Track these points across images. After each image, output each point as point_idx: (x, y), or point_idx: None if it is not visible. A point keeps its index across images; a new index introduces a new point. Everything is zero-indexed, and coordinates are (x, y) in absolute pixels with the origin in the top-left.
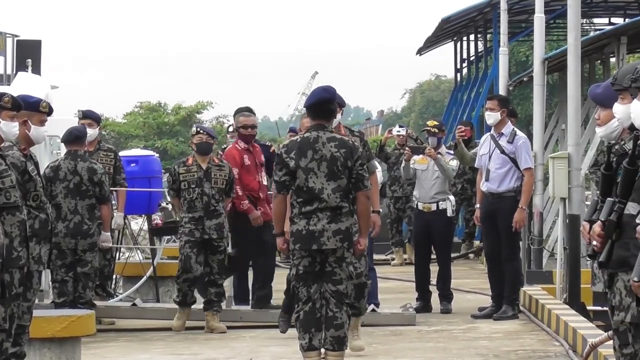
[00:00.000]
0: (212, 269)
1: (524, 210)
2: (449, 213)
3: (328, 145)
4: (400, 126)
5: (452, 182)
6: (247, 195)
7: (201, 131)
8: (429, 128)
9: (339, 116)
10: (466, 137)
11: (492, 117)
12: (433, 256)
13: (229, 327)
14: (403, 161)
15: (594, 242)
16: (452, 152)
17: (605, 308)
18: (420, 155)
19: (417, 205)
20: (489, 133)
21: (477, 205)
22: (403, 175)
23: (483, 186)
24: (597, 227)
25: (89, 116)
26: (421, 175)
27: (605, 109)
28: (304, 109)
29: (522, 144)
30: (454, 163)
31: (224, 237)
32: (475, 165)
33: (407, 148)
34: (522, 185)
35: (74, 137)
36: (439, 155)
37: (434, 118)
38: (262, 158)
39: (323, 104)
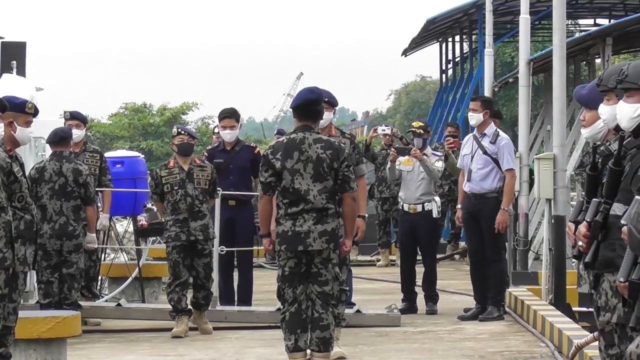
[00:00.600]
0: (198, 274)
1: (506, 211)
2: (435, 214)
3: (314, 147)
4: (385, 125)
5: (438, 184)
6: None
7: (182, 132)
8: (414, 129)
9: (331, 116)
10: (455, 148)
11: (474, 118)
12: (419, 257)
13: (214, 328)
14: (389, 162)
15: (580, 243)
16: (437, 153)
17: (590, 309)
18: (406, 157)
19: (402, 206)
20: (471, 134)
21: (459, 206)
22: (389, 176)
23: (465, 187)
24: (582, 228)
25: (75, 117)
26: (407, 176)
27: (591, 110)
28: (290, 110)
29: (504, 145)
30: (440, 164)
31: (209, 239)
32: (458, 166)
33: (392, 149)
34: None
35: (59, 138)
36: (424, 157)
37: (419, 119)
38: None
39: (309, 105)
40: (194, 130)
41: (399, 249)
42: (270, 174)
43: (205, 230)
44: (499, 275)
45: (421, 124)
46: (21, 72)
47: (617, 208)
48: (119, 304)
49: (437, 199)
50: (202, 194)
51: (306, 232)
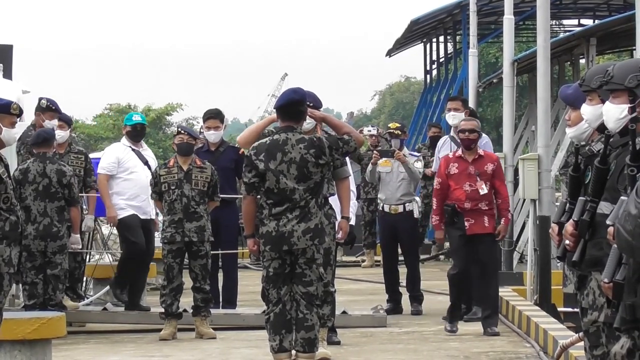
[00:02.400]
0: (196, 275)
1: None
2: (416, 214)
3: (297, 147)
4: (371, 126)
5: (422, 184)
6: None
7: (182, 131)
8: (391, 130)
9: None
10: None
11: (457, 117)
12: (401, 258)
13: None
14: (370, 164)
15: (567, 242)
16: (415, 154)
17: (576, 309)
18: (383, 158)
19: (382, 207)
20: (447, 135)
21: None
22: (369, 178)
23: None
24: (569, 227)
25: (61, 119)
26: (385, 177)
27: (576, 110)
28: (274, 110)
29: (485, 144)
30: (419, 164)
31: (205, 241)
32: (433, 169)
33: (375, 151)
34: None
35: (42, 139)
36: (406, 158)
37: (403, 120)
38: None
39: (292, 106)
40: (194, 130)
41: (381, 251)
42: (253, 174)
43: (201, 232)
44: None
45: (398, 125)
46: (8, 75)
47: (603, 207)
48: (104, 308)
49: (417, 199)
50: (199, 195)
51: (290, 231)
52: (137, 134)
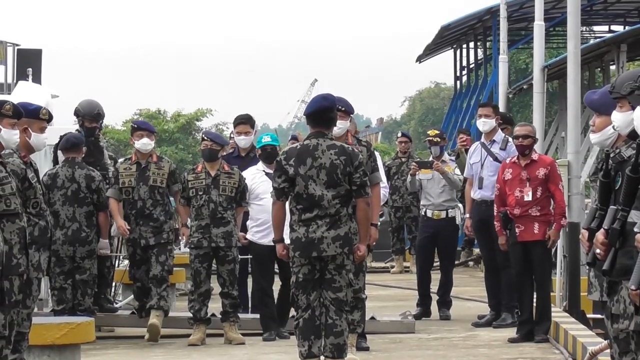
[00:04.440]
0: (224, 281)
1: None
2: (458, 220)
3: (327, 153)
4: (401, 132)
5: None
6: None
7: (206, 138)
8: (430, 138)
9: (347, 124)
10: (468, 147)
11: (488, 124)
12: (436, 262)
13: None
14: (409, 176)
15: (598, 250)
16: (454, 159)
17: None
18: (421, 169)
19: (425, 212)
20: (478, 142)
21: (467, 215)
22: (409, 188)
23: (476, 194)
24: (600, 235)
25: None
26: (427, 184)
27: (601, 116)
28: (304, 116)
29: (515, 151)
30: (459, 172)
31: (232, 246)
32: (465, 175)
33: (413, 163)
34: None
35: (70, 144)
36: (445, 169)
37: (434, 127)
38: None
39: (322, 112)
40: (221, 136)
41: (416, 253)
42: (283, 179)
43: (228, 237)
44: (511, 281)
45: (437, 132)
46: (37, 79)
47: (634, 215)
48: (133, 312)
49: (460, 205)
50: (227, 200)
51: (319, 238)
52: (267, 155)
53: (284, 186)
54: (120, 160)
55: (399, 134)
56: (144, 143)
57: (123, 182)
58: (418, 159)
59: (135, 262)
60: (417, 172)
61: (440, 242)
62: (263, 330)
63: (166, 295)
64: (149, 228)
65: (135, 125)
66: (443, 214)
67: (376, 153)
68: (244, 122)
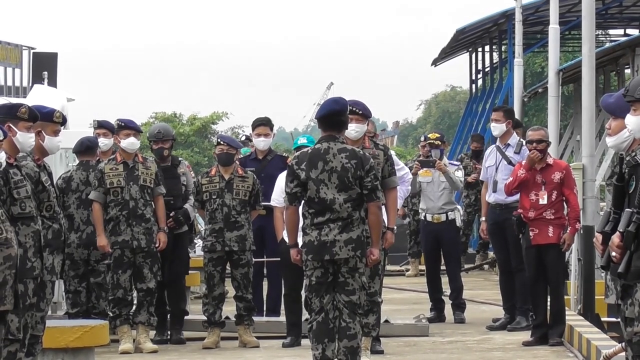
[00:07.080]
0: (238, 284)
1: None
2: (458, 223)
3: (339, 157)
4: (424, 136)
5: (464, 194)
6: None
7: (221, 142)
8: (431, 140)
9: (364, 128)
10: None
11: (497, 128)
12: (443, 267)
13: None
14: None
15: (613, 253)
16: (455, 163)
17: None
18: (425, 168)
19: (425, 216)
20: (494, 145)
21: (483, 218)
22: (410, 189)
23: (490, 198)
24: (615, 238)
25: (103, 126)
26: (426, 187)
27: (617, 119)
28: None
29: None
30: (460, 174)
31: (246, 250)
32: (481, 178)
33: (415, 162)
34: None
35: (85, 148)
36: (446, 168)
37: (439, 130)
38: None
39: (334, 116)
40: (236, 140)
41: (425, 259)
42: (295, 184)
43: (242, 241)
44: (525, 285)
45: (437, 135)
46: (52, 82)
47: None
48: None
49: (459, 207)
50: (241, 204)
51: (332, 241)
52: None
53: (296, 191)
54: (104, 161)
55: (422, 138)
56: (131, 142)
57: (111, 183)
58: (421, 159)
59: (121, 265)
60: (417, 172)
61: (443, 246)
62: (287, 335)
63: (153, 310)
64: (141, 229)
65: (122, 124)
66: (443, 217)
67: (394, 156)
68: (264, 124)
